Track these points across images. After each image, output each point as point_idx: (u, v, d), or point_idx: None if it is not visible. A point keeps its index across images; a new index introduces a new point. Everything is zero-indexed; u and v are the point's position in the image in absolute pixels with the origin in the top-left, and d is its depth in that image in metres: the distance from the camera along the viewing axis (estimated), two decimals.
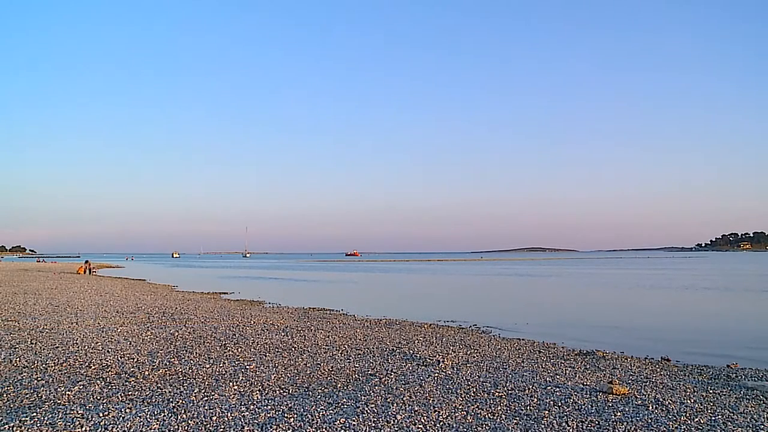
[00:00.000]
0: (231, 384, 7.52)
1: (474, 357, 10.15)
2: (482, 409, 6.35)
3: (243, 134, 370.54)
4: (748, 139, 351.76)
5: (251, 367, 8.78)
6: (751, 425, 5.83)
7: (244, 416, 5.93)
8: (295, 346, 11.00)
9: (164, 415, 5.93)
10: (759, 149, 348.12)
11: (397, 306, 24.10)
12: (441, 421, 5.87)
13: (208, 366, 8.79)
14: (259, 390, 7.21)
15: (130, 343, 10.94)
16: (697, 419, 6.01)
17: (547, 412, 6.26)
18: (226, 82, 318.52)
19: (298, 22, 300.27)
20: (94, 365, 8.67)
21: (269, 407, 6.30)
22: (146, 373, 8.20)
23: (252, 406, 6.34)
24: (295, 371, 8.48)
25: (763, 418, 6.16)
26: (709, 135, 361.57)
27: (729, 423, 5.89)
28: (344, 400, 6.70)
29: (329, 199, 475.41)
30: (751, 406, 6.70)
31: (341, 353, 10.29)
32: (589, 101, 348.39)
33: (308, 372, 8.44)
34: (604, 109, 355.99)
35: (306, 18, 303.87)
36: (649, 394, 7.21)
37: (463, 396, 6.99)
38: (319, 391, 7.22)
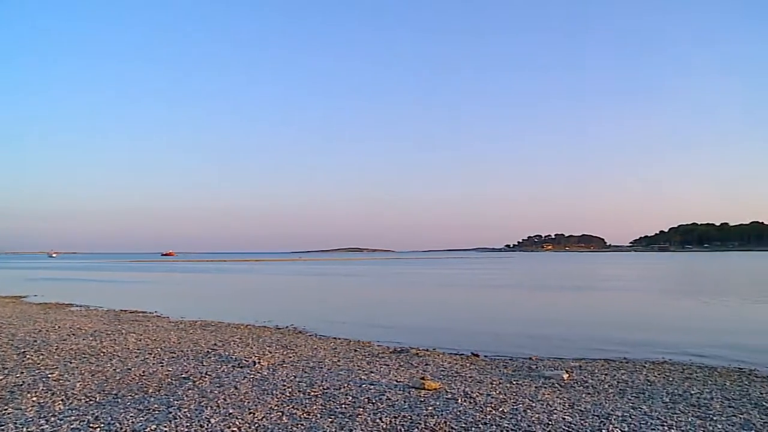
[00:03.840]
0: (29, 395, 7.06)
1: (290, 357, 10.41)
2: (297, 409, 6.51)
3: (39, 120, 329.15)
4: (550, 150, 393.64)
5: (54, 375, 8.27)
6: (546, 410, 6.64)
7: (43, 430, 5.66)
8: (105, 351, 10.49)
9: None
10: (562, 160, 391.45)
11: (213, 307, 23.44)
12: (256, 422, 5.96)
13: (1, 377, 8.12)
14: (62, 400, 6.87)
15: None
16: (501, 409, 6.66)
17: (361, 409, 6.53)
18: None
19: None
20: None
21: (73, 417, 6.07)
22: None
23: (53, 418, 6.05)
24: (104, 378, 8.16)
25: (557, 403, 7.07)
26: (521, 144, 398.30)
27: (529, 410, 6.61)
28: (156, 405, 6.61)
29: (142, 195, 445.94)
30: (548, 394, 7.67)
31: (154, 357, 10.03)
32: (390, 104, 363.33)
33: (117, 378, 8.16)
34: (402, 113, 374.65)
35: None
36: (458, 388, 7.69)
37: (278, 396, 7.14)
38: (129, 397, 7.05)
